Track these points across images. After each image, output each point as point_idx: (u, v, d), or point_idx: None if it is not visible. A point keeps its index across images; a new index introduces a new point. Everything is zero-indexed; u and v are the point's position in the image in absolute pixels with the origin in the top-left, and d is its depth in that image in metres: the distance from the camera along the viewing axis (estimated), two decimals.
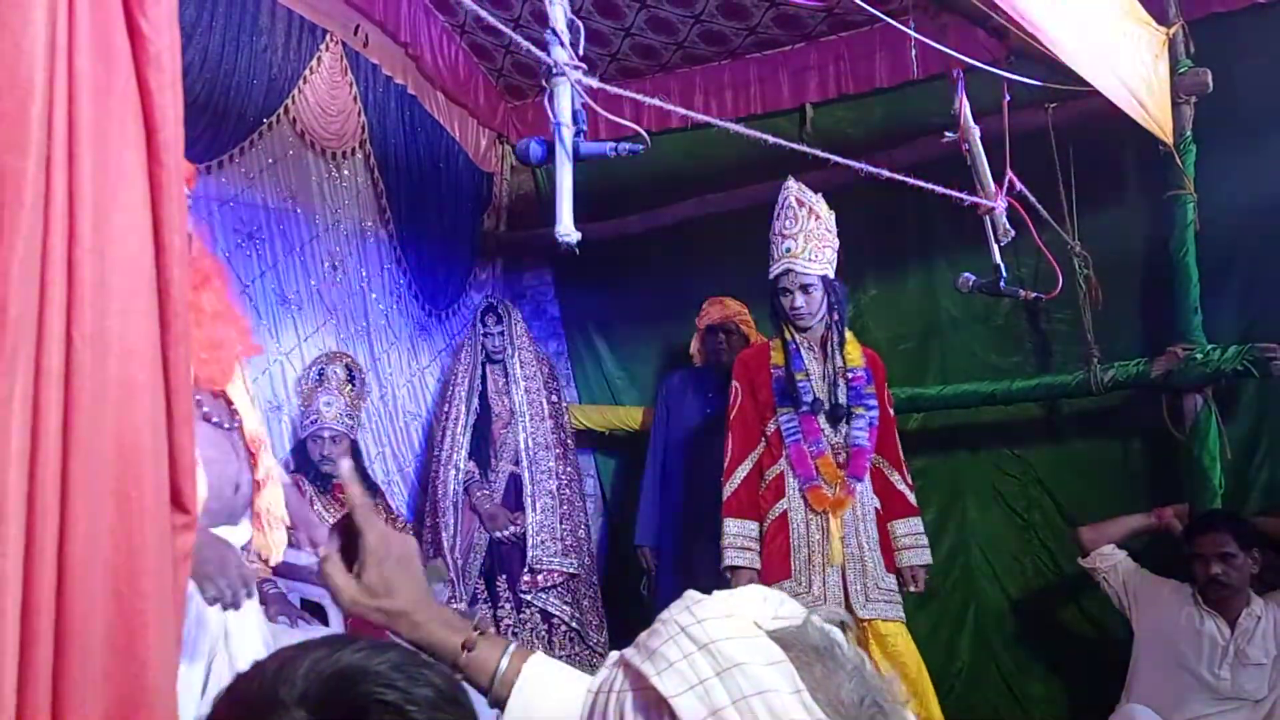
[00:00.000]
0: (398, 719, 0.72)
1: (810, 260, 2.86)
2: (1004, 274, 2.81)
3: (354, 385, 3.54)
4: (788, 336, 2.95)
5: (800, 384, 2.89)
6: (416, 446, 4.11)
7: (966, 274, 2.91)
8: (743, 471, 2.94)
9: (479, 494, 3.80)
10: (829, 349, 2.94)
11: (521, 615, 3.73)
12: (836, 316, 2.93)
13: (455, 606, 3.51)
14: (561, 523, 3.83)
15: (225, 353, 1.94)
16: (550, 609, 3.75)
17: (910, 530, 2.95)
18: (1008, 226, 2.73)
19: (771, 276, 2.92)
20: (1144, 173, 3.24)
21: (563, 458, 3.95)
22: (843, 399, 2.90)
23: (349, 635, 0.84)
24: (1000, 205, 2.70)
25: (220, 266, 2.13)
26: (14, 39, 0.81)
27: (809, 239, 2.85)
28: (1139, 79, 2.72)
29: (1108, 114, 2.66)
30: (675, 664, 0.64)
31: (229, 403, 1.97)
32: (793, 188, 2.89)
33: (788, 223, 2.87)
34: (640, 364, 4.40)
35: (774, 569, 2.85)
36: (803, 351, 2.94)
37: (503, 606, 3.71)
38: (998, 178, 2.73)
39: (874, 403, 2.93)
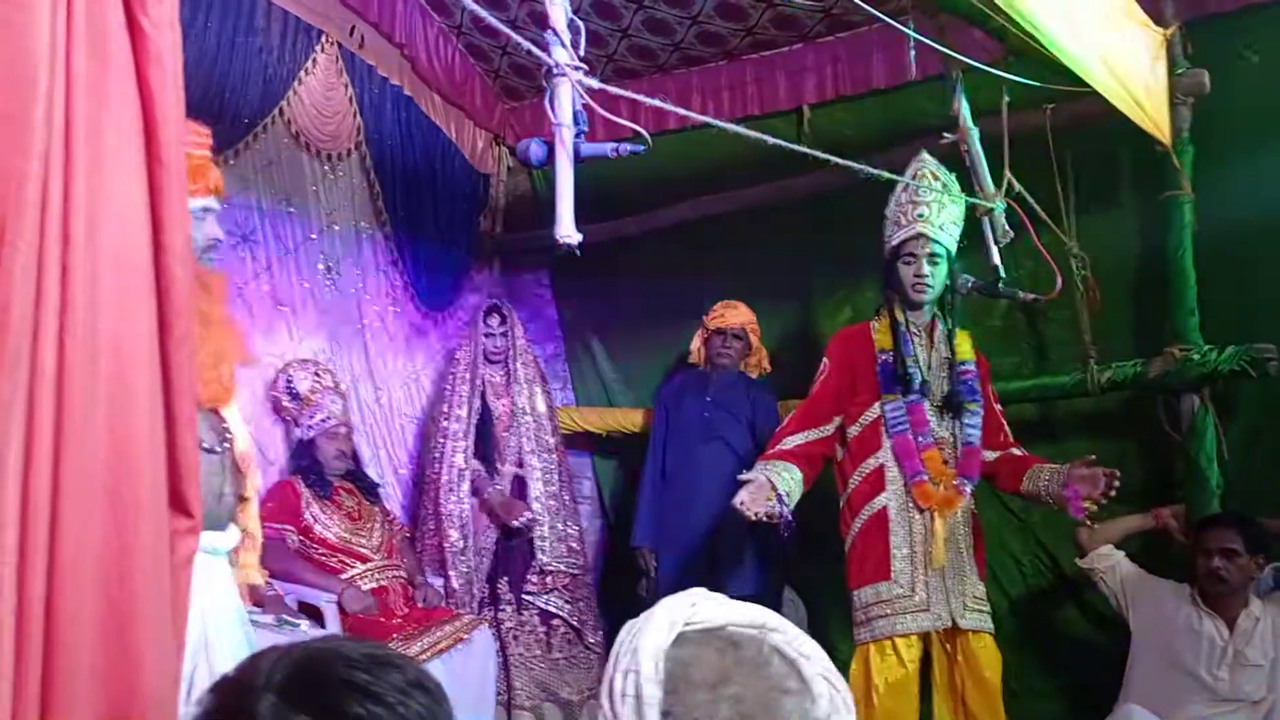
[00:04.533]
0: (366, 699, 0.73)
1: (941, 230, 2.72)
2: (1002, 275, 2.81)
3: (337, 385, 3.56)
4: (898, 316, 2.79)
5: (910, 369, 2.73)
6: (411, 448, 4.10)
7: (965, 275, 2.90)
8: (791, 442, 2.76)
9: (489, 490, 3.78)
10: (936, 336, 2.81)
11: (521, 617, 3.72)
12: (951, 302, 2.80)
13: (463, 613, 3.50)
14: (566, 524, 3.83)
15: (227, 367, 1.92)
16: (551, 609, 3.75)
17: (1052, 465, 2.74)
18: (1006, 227, 2.73)
19: (895, 242, 2.75)
20: (1141, 174, 3.23)
21: (561, 460, 3.96)
22: (955, 390, 2.75)
23: (335, 635, 0.85)
24: (999, 206, 2.70)
25: (219, 271, 2.12)
26: (17, 39, 0.80)
27: (942, 211, 2.72)
28: (1137, 80, 2.72)
29: (1106, 115, 2.66)
30: None
31: (222, 422, 1.96)
32: (929, 160, 2.77)
33: (921, 192, 2.71)
34: (637, 366, 4.39)
35: (870, 570, 2.69)
36: (910, 335, 2.78)
37: (504, 609, 3.70)
38: (996, 179, 2.73)
39: (982, 401, 2.80)
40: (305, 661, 0.77)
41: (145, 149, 0.95)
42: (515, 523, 3.71)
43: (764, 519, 2.58)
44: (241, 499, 2.06)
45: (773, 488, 2.62)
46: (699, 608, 0.87)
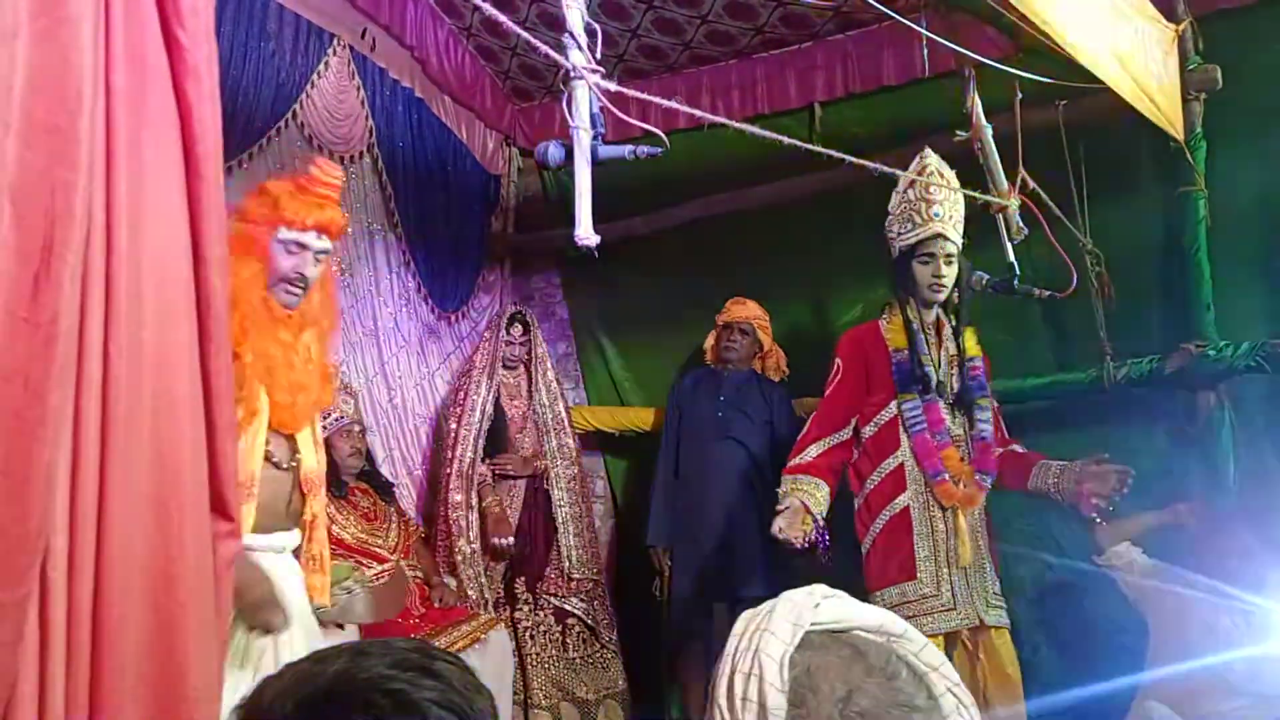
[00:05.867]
0: None
1: (955, 229, 2.72)
2: (1018, 272, 2.80)
3: (347, 386, 3.58)
4: (910, 315, 2.79)
5: (925, 368, 2.73)
6: (425, 448, 4.11)
7: (980, 272, 2.90)
8: (815, 450, 2.77)
9: (490, 498, 3.81)
10: (943, 334, 2.80)
11: (537, 616, 3.74)
12: (958, 299, 2.79)
13: (479, 613, 3.51)
14: (587, 529, 3.89)
15: (305, 398, 2.05)
16: (568, 607, 3.78)
17: (1059, 462, 2.73)
18: (1021, 224, 2.73)
19: (911, 242, 2.74)
20: (1155, 169, 3.23)
21: (577, 462, 3.99)
22: (965, 386, 2.75)
23: (368, 659, 0.83)
24: (1013, 203, 2.69)
25: (336, 314, 2.26)
26: (63, 53, 0.81)
27: (953, 210, 2.72)
28: (1149, 75, 2.72)
29: (1119, 110, 2.66)
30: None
31: (294, 443, 2.11)
32: (933, 157, 2.76)
33: (933, 190, 2.69)
34: (647, 365, 4.40)
35: (895, 570, 2.66)
36: (921, 334, 2.78)
37: (520, 609, 3.72)
38: (1010, 175, 2.73)
39: (989, 397, 2.81)
40: (317, 700, 0.75)
41: (184, 162, 0.96)
42: (496, 540, 3.72)
43: (804, 546, 2.59)
44: (308, 521, 2.18)
45: (807, 511, 2.62)
46: (822, 607, 0.79)
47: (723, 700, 0.78)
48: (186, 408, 0.97)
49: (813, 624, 0.79)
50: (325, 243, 2.08)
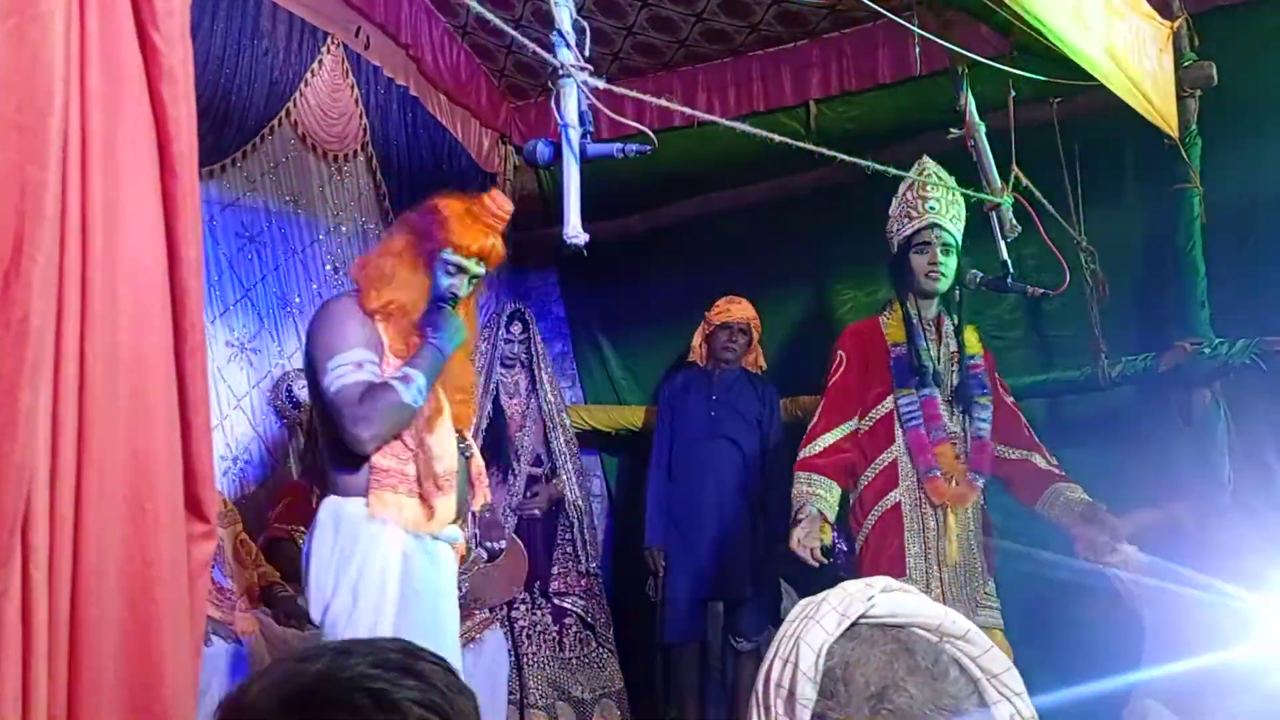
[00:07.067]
0: None
1: (951, 222, 2.74)
2: (1011, 270, 2.80)
3: None
4: (910, 309, 2.79)
5: (922, 361, 2.72)
6: None
7: (973, 270, 2.89)
8: (829, 438, 2.75)
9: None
10: (943, 331, 2.81)
11: (534, 615, 3.73)
12: (959, 296, 2.80)
13: (475, 612, 3.50)
14: (589, 525, 3.91)
15: (464, 400, 2.26)
16: (567, 604, 3.79)
17: (1075, 491, 2.73)
18: (1014, 222, 2.72)
19: (908, 232, 2.76)
20: (1149, 166, 3.22)
21: (577, 460, 3.99)
22: (964, 383, 2.75)
23: (344, 642, 0.83)
24: (1007, 201, 2.69)
25: (475, 330, 2.46)
26: (33, 52, 0.81)
27: (951, 205, 2.75)
28: (1143, 72, 2.71)
29: (1113, 108, 2.65)
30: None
31: (465, 439, 2.30)
32: (931, 163, 2.80)
33: (929, 188, 2.73)
34: (645, 364, 4.39)
35: (885, 567, 2.61)
36: (920, 329, 2.78)
37: (518, 608, 3.71)
38: (1003, 173, 2.72)
39: (992, 395, 2.81)
40: (300, 698, 0.75)
41: (159, 163, 0.95)
42: (488, 544, 3.68)
43: (822, 561, 2.59)
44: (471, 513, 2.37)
45: (824, 520, 2.62)
46: (878, 601, 0.76)
47: (760, 685, 0.77)
48: (162, 409, 0.97)
49: (866, 616, 0.77)
50: (482, 269, 2.21)
